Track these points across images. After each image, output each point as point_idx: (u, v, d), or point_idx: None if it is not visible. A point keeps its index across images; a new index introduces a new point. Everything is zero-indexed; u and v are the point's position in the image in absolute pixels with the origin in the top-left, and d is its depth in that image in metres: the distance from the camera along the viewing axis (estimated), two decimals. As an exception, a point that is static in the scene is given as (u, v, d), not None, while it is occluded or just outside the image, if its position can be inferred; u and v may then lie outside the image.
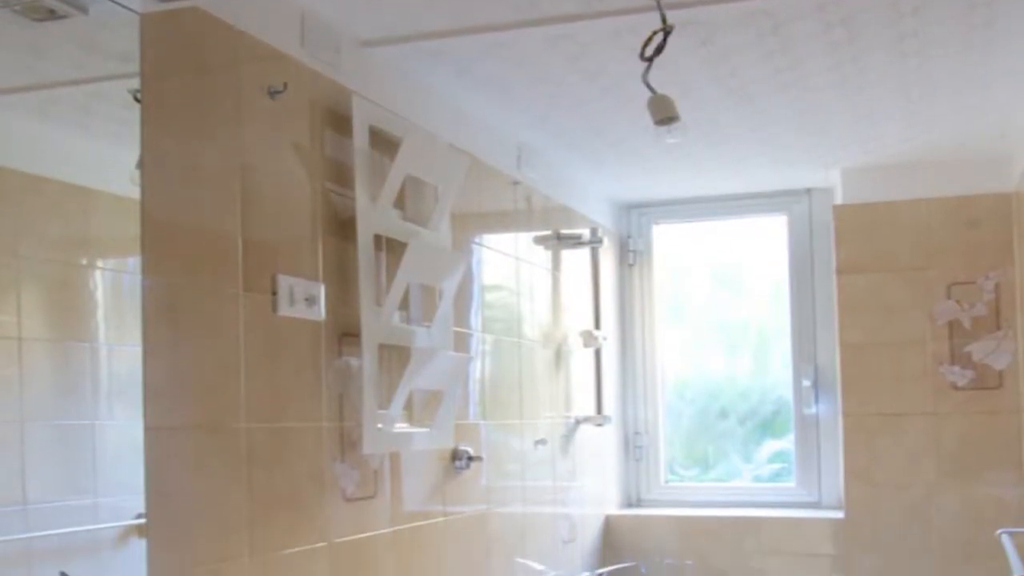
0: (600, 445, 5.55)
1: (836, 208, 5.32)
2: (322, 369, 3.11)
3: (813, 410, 5.67)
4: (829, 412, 5.60)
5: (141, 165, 2.47)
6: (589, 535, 5.39)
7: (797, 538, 5.36)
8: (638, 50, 3.22)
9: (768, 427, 5.92)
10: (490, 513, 4.20)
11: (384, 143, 3.41)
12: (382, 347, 3.33)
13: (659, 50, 3.20)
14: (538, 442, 4.69)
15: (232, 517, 2.71)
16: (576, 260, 5.27)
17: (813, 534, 5.34)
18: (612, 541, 5.62)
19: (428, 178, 3.62)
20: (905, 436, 5.14)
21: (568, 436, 5.08)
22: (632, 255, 6.00)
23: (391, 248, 3.43)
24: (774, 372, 5.93)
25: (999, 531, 4.28)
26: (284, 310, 2.92)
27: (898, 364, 5.15)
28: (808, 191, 5.71)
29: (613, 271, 5.88)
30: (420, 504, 3.66)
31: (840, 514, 5.32)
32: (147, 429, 2.43)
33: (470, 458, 3.94)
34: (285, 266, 2.95)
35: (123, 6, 2.45)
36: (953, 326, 5.08)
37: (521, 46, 3.51)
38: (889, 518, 5.16)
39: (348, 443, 3.21)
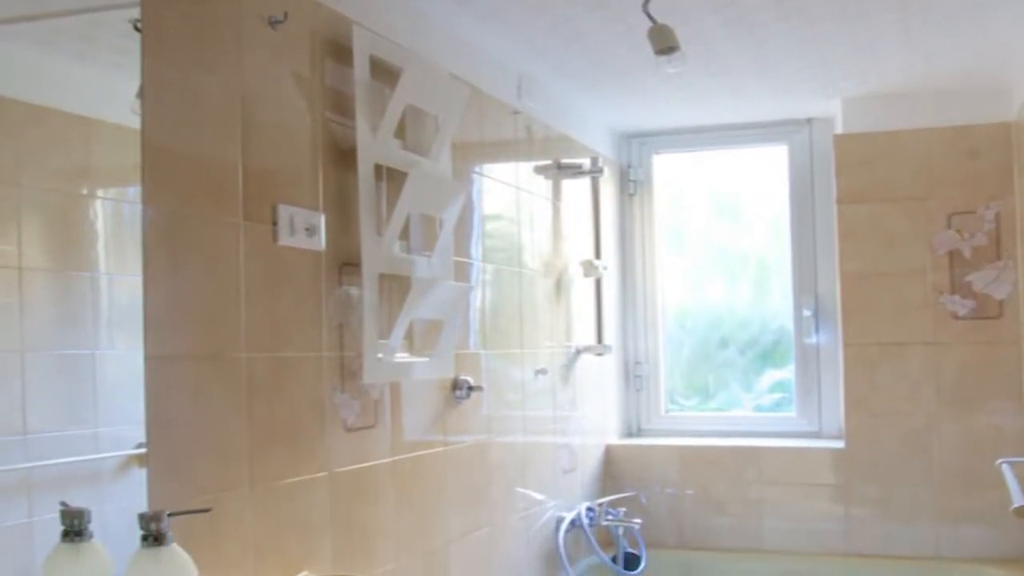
0: (600, 375, 5.58)
1: (836, 138, 5.31)
2: (322, 299, 3.12)
3: (813, 340, 5.68)
4: (829, 342, 5.61)
5: (141, 95, 2.47)
6: (589, 465, 5.43)
7: (797, 468, 5.39)
8: (638, -21, 3.22)
9: (768, 357, 5.94)
10: (490, 443, 4.23)
11: (385, 73, 3.40)
12: (382, 277, 3.34)
13: (660, -22, 3.19)
14: (538, 372, 4.71)
15: (232, 447, 2.73)
16: (576, 190, 5.26)
17: (813, 464, 5.36)
18: (612, 471, 5.65)
19: (428, 108, 3.61)
20: (905, 366, 5.16)
21: (568, 366, 5.10)
22: (632, 185, 5.98)
23: (391, 178, 3.42)
24: (774, 302, 5.93)
25: (999, 460, 4.31)
26: (284, 240, 2.92)
27: (898, 294, 5.16)
28: (808, 121, 5.69)
29: (613, 201, 5.87)
30: (420, 434, 3.68)
31: (840, 444, 5.35)
32: (147, 358, 2.45)
33: (470, 388, 3.96)
34: (285, 196, 2.95)
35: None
36: (953, 256, 5.08)
37: (521, -26, 3.50)
38: (889, 448, 5.19)
39: (348, 373, 3.23)
